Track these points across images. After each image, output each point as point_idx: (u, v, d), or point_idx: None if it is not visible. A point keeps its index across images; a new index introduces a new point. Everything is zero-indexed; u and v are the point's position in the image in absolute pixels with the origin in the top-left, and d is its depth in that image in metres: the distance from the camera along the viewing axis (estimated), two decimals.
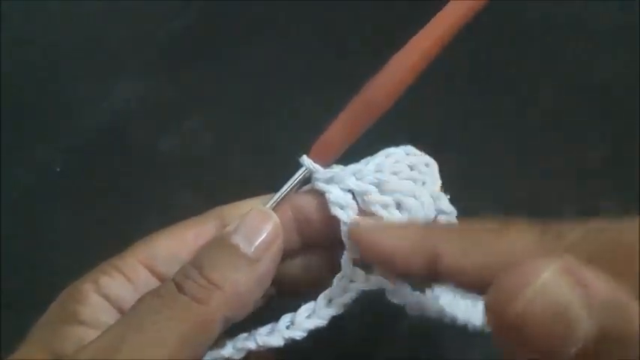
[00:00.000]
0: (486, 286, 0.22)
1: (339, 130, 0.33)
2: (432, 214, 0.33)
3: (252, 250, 0.30)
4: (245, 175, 0.50)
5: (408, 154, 0.34)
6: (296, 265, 0.35)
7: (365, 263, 0.32)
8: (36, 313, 0.32)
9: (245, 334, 0.31)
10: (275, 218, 0.32)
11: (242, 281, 0.30)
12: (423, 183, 0.33)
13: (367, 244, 0.30)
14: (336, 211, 0.32)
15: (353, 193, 0.33)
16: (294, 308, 0.32)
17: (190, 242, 0.33)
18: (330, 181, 0.33)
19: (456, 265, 0.27)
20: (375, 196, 0.32)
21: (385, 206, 0.32)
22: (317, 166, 0.33)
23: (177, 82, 0.55)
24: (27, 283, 0.47)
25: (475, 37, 0.52)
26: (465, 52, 0.53)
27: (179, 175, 0.51)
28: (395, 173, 0.33)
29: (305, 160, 0.33)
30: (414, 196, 0.32)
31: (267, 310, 0.34)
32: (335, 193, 0.32)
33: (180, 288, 0.29)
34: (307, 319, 0.31)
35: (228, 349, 0.31)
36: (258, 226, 0.31)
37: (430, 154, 0.35)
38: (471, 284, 0.27)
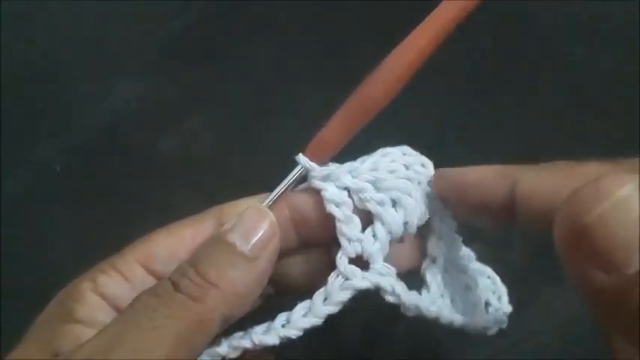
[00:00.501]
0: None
1: (335, 128, 0.33)
2: (427, 214, 0.33)
3: (249, 248, 0.30)
4: (245, 175, 0.50)
5: (404, 154, 0.34)
6: (293, 263, 0.35)
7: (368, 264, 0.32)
8: (36, 312, 0.32)
9: (241, 333, 0.31)
10: (271, 216, 0.31)
11: (239, 279, 0.30)
12: (419, 183, 0.33)
13: (455, 179, 0.32)
14: (332, 209, 0.32)
15: (349, 191, 0.32)
16: (293, 307, 0.32)
17: (188, 241, 0.33)
18: (326, 178, 0.33)
19: (531, 187, 0.28)
20: (370, 193, 0.32)
21: (381, 204, 0.32)
22: (313, 164, 0.33)
23: (177, 82, 0.55)
24: (27, 283, 0.47)
25: (475, 37, 0.52)
26: (464, 52, 0.53)
27: (179, 175, 0.51)
28: (391, 172, 0.33)
29: (301, 158, 0.33)
30: (410, 195, 0.32)
31: (266, 309, 0.34)
32: (331, 191, 0.32)
33: (176, 286, 0.29)
34: (303, 317, 0.31)
35: (223, 348, 0.31)
36: (254, 224, 0.31)
37: (428, 154, 0.35)
38: (543, 210, 0.27)
